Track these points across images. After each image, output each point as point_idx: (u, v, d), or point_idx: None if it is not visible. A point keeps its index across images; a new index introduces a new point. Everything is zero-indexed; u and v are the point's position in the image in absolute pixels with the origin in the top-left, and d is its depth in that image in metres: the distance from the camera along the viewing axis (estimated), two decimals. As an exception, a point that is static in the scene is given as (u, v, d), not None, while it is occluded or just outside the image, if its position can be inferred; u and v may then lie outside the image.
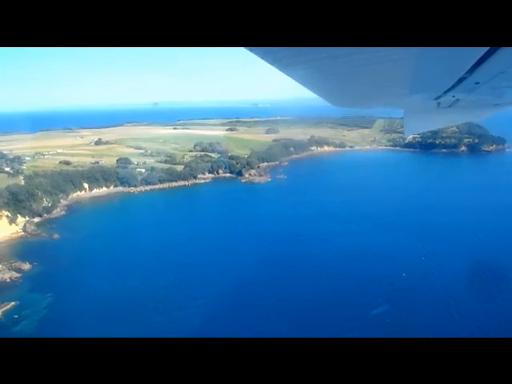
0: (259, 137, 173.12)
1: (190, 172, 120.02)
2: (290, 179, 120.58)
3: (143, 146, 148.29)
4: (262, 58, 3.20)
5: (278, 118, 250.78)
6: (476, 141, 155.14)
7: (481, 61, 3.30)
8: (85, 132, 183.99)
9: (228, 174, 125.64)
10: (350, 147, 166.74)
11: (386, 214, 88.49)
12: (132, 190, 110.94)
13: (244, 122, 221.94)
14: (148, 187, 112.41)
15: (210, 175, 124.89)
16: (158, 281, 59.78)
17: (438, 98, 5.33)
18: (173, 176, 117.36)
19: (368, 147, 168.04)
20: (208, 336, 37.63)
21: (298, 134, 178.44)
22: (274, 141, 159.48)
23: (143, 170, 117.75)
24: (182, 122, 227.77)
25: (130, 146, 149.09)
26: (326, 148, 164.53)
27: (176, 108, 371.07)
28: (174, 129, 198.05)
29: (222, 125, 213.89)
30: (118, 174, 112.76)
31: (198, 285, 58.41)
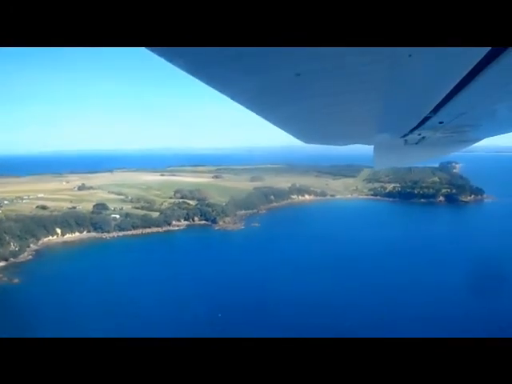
0: (242, 184, 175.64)
1: (165, 219, 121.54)
2: (264, 227, 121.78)
3: (125, 192, 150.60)
4: (233, 98, 3.30)
5: (268, 165, 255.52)
6: (454, 191, 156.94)
7: (444, 102, 3.51)
8: (72, 177, 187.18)
9: (203, 222, 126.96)
10: (331, 196, 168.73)
11: (346, 262, 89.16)
12: (104, 235, 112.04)
13: (232, 170, 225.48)
14: (121, 233, 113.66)
15: (186, 222, 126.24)
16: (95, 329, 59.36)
17: (405, 135, 5.53)
18: (147, 222, 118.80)
19: (349, 196, 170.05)
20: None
21: (282, 181, 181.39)
22: (254, 188, 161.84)
23: (118, 216, 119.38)
24: (171, 168, 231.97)
25: (112, 192, 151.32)
26: (306, 196, 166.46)
27: (171, 154, 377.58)
28: (161, 175, 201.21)
29: (210, 172, 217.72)
30: (91, 220, 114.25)
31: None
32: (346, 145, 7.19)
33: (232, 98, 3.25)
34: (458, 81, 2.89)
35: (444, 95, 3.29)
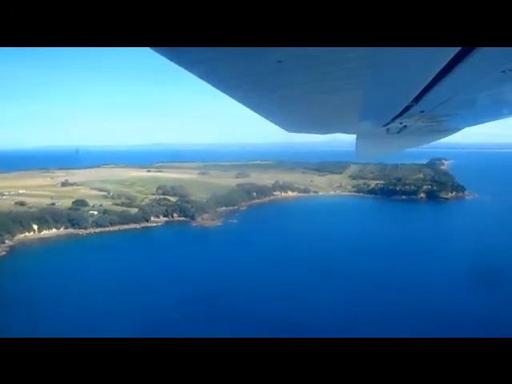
0: (227, 181, 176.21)
1: (143, 215, 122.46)
2: (241, 224, 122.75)
3: (108, 188, 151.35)
4: (216, 86, 3.29)
5: (258, 161, 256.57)
6: (435, 188, 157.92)
7: (425, 91, 3.59)
8: (59, 173, 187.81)
9: (182, 218, 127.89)
10: (315, 192, 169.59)
11: (320, 257, 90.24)
12: (81, 231, 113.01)
13: (219, 166, 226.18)
14: (98, 229, 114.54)
15: (164, 218, 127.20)
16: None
17: (387, 124, 5.57)
18: (125, 219, 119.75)
19: (332, 193, 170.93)
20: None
21: (268, 178, 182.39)
22: (237, 185, 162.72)
23: (95, 213, 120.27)
24: (159, 164, 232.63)
25: (95, 188, 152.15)
26: (289, 193, 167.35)
27: (163, 150, 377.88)
28: (148, 171, 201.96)
29: (198, 168, 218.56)
30: (69, 216, 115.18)
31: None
32: (329, 133, 7.16)
33: (214, 86, 3.29)
34: (438, 71, 3.01)
35: (425, 84, 3.39)
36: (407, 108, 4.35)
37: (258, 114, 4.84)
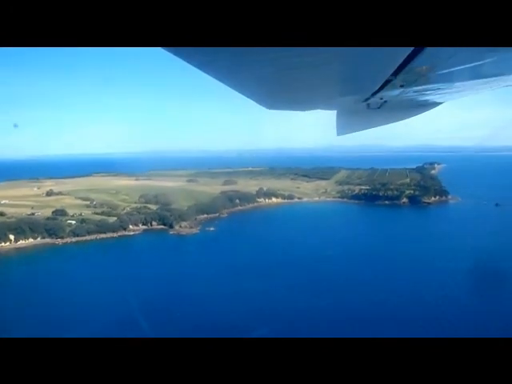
0: (214, 188, 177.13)
1: (121, 224, 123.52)
2: (219, 231, 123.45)
3: (92, 198, 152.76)
4: (188, 61, 3.23)
5: (250, 168, 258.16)
6: (417, 193, 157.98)
7: (404, 64, 3.62)
8: (48, 182, 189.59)
9: (161, 226, 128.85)
10: (299, 199, 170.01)
11: (289, 263, 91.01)
12: (58, 241, 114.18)
13: (210, 173, 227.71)
14: (74, 239, 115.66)
15: (143, 227, 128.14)
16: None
17: (367, 99, 5.57)
18: (102, 228, 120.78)
19: (317, 199, 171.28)
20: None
21: (255, 185, 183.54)
22: (221, 192, 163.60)
23: (73, 222, 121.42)
24: (150, 172, 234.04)
25: (79, 198, 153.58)
26: (273, 199, 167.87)
27: (158, 157, 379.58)
28: (136, 180, 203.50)
29: (188, 175, 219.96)
30: (45, 226, 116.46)
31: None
32: (309, 110, 7.07)
33: (188, 62, 3.25)
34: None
35: (404, 57, 3.43)
36: (387, 82, 4.39)
37: (236, 90, 4.70)
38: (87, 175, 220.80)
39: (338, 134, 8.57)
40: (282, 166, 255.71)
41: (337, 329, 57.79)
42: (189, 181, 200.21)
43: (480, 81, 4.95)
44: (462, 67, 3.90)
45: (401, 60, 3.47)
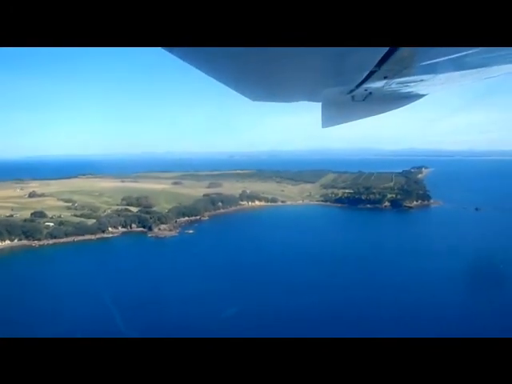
0: (198, 191, 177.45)
1: (99, 226, 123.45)
2: (197, 234, 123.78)
3: (74, 199, 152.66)
4: (174, 53, 3.23)
5: (238, 171, 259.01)
6: (399, 197, 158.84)
7: (387, 56, 3.64)
8: (33, 183, 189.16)
9: (140, 229, 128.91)
10: (282, 202, 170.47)
11: (259, 266, 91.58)
12: (35, 243, 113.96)
13: (196, 176, 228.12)
14: (51, 241, 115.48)
15: (123, 229, 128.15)
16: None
17: (352, 91, 5.56)
18: (80, 230, 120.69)
19: (300, 202, 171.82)
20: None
21: (240, 188, 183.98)
22: (204, 195, 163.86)
23: (51, 224, 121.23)
24: (137, 174, 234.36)
25: (61, 199, 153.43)
26: (257, 202, 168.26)
27: (149, 159, 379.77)
28: (122, 182, 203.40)
29: (175, 178, 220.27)
30: (23, 228, 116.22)
31: None
32: (293, 101, 7.04)
33: (172, 53, 3.25)
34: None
35: (387, 49, 3.45)
36: (371, 73, 4.42)
37: (219, 81, 4.66)
38: (73, 177, 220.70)
39: (323, 126, 8.52)
40: (270, 169, 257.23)
41: (322, 330, 58.23)
42: (174, 183, 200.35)
43: (463, 72, 5.04)
44: (444, 58, 3.96)
45: (384, 51, 3.53)
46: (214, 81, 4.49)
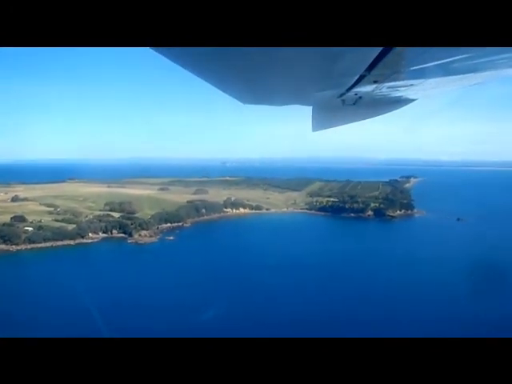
0: (182, 197, 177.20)
1: (79, 231, 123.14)
2: (177, 240, 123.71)
3: (57, 204, 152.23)
4: (165, 55, 3.21)
5: (227, 177, 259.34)
6: (382, 206, 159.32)
7: (377, 60, 3.64)
8: (18, 188, 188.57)
9: (121, 235, 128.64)
10: (266, 210, 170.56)
11: (234, 273, 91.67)
12: (12, 248, 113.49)
13: (184, 182, 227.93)
14: (29, 246, 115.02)
15: (104, 235, 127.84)
16: None
17: (342, 95, 5.57)
18: (59, 235, 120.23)
19: (285, 210, 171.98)
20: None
21: (226, 195, 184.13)
22: (188, 202, 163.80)
23: (30, 229, 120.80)
24: (126, 179, 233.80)
25: (44, 204, 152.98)
26: (241, 210, 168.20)
27: (141, 164, 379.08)
28: (109, 187, 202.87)
29: (162, 183, 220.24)
30: (1, 232, 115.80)
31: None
32: (285, 105, 7.00)
33: (163, 54, 3.23)
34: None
35: (377, 53, 3.47)
36: (361, 78, 4.43)
37: (211, 84, 4.68)
38: (61, 181, 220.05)
39: (314, 129, 8.48)
40: (259, 176, 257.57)
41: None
42: (160, 189, 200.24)
43: (452, 78, 5.08)
44: (433, 63, 3.97)
45: (374, 55, 3.54)
46: (209, 86, 4.55)
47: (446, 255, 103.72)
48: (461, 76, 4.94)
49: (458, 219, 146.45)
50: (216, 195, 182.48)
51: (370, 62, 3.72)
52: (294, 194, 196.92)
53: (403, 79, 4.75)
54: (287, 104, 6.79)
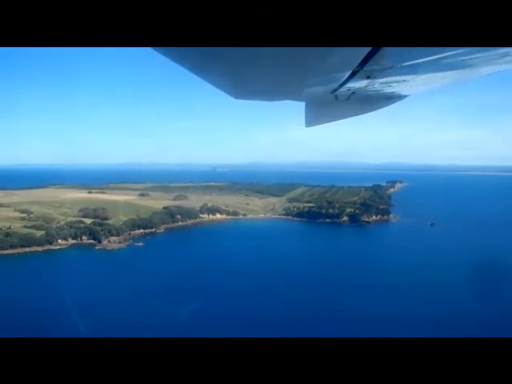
0: (160, 203, 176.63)
1: (47, 238, 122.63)
2: (146, 247, 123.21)
3: (31, 210, 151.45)
4: (159, 50, 3.21)
5: (213, 183, 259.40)
6: (357, 211, 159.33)
7: (370, 55, 3.66)
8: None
9: (90, 241, 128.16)
10: (243, 215, 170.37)
11: (194, 279, 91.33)
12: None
13: (166, 187, 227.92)
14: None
15: (73, 241, 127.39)
16: None
17: (335, 90, 5.57)
18: (27, 242, 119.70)
19: (262, 215, 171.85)
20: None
21: (206, 200, 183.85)
22: (164, 207, 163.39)
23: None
24: (108, 185, 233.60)
25: (18, 210, 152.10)
26: (218, 216, 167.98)
27: (131, 169, 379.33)
28: (89, 193, 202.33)
29: (145, 189, 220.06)
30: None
31: None
32: (277, 100, 7.02)
33: (157, 50, 3.21)
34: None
35: (369, 49, 3.48)
36: (354, 73, 4.45)
37: (203, 78, 4.69)
38: (42, 187, 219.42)
39: (307, 125, 8.48)
40: (243, 182, 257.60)
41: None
42: (140, 195, 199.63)
43: (444, 73, 5.12)
44: (426, 59, 3.99)
45: (367, 51, 3.55)
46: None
47: (414, 260, 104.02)
48: (453, 72, 5.00)
49: (432, 224, 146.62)
50: (195, 201, 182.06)
51: (363, 57, 3.74)
52: (274, 200, 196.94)
53: (396, 75, 4.77)
54: (279, 99, 6.84)
